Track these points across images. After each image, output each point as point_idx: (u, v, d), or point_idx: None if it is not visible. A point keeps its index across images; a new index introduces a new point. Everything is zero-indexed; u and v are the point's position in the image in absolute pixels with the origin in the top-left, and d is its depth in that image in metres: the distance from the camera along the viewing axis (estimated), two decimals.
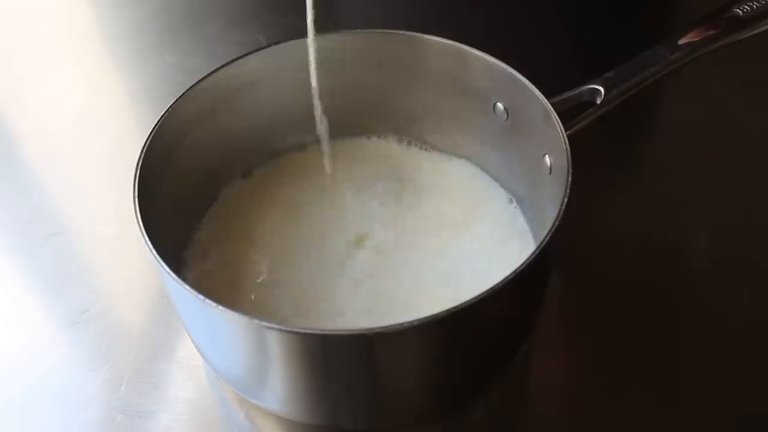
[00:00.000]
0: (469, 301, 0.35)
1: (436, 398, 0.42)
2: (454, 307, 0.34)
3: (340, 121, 0.53)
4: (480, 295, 0.35)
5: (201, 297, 0.35)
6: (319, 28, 0.49)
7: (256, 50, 0.48)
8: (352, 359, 0.37)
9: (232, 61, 0.48)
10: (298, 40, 0.49)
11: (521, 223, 0.49)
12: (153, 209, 0.40)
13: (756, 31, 0.47)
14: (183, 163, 0.47)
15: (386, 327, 0.34)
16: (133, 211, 0.39)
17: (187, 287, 0.36)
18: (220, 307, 0.35)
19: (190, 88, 0.46)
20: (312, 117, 0.53)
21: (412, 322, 0.34)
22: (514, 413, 0.46)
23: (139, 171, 0.41)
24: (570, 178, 0.39)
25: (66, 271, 0.53)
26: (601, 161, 0.55)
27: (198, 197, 0.50)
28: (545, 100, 0.43)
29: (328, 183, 0.52)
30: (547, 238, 0.37)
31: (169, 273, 0.37)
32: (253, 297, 0.46)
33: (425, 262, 0.47)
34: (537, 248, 0.37)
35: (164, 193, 0.44)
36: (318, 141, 0.54)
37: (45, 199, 0.58)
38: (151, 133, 0.43)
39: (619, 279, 0.51)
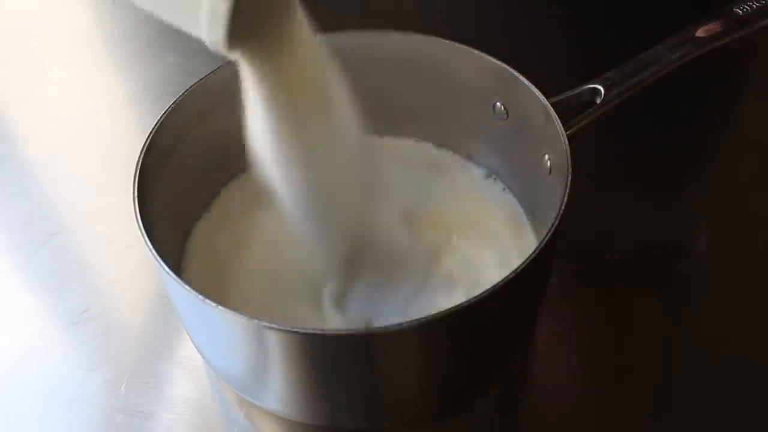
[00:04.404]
0: (469, 301, 0.35)
1: (436, 398, 0.42)
2: (454, 307, 0.34)
3: None
4: (480, 295, 0.35)
5: (201, 297, 0.35)
6: (320, 28, 0.49)
7: None
8: (352, 359, 0.37)
9: (232, 60, 0.48)
10: None
11: (522, 222, 0.49)
12: (153, 209, 0.40)
13: (756, 31, 0.47)
14: (183, 163, 0.47)
15: (386, 327, 0.34)
16: (133, 211, 0.39)
17: (187, 287, 0.36)
18: (220, 307, 0.35)
19: (190, 88, 0.46)
20: None
21: (411, 322, 0.34)
22: (514, 413, 0.46)
23: (138, 171, 0.41)
24: (570, 178, 0.39)
25: (66, 271, 0.53)
26: (601, 161, 0.55)
27: (198, 197, 0.50)
28: (545, 100, 0.43)
29: None
30: (547, 238, 0.37)
31: (168, 273, 0.37)
32: (252, 296, 0.46)
33: (424, 263, 0.47)
34: (537, 248, 0.37)
35: (164, 193, 0.44)
36: None
37: (45, 199, 0.58)
38: (151, 133, 0.43)
39: (619, 279, 0.51)
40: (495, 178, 0.52)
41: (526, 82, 0.45)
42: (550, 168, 0.44)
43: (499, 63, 0.46)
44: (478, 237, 0.48)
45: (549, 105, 0.43)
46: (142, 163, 0.42)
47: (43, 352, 0.49)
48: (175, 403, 0.45)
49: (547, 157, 0.45)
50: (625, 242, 0.53)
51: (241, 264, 0.48)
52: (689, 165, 0.58)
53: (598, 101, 0.45)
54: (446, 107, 0.51)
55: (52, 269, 0.53)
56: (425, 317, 0.34)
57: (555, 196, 0.40)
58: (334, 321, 0.44)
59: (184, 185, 0.47)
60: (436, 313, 0.34)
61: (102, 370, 0.47)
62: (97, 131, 0.64)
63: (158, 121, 0.44)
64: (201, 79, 0.47)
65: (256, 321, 0.35)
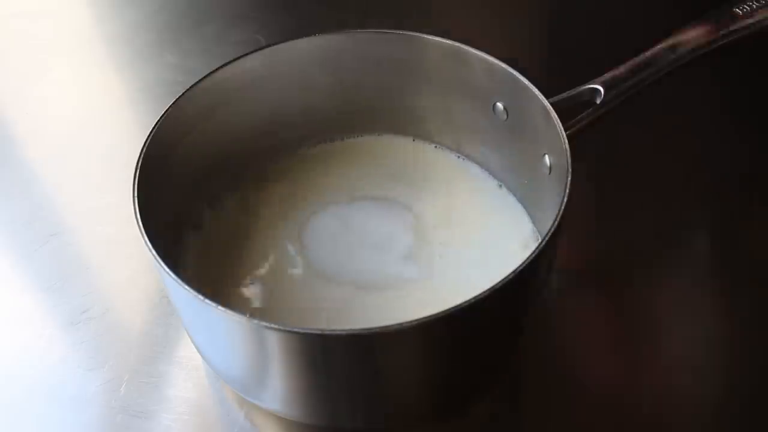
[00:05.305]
0: (468, 301, 0.35)
1: (436, 398, 0.42)
2: (453, 307, 0.34)
3: (340, 121, 0.54)
4: (479, 294, 0.35)
5: (201, 297, 0.35)
6: (320, 28, 0.49)
7: (256, 50, 0.48)
8: (352, 359, 0.37)
9: (232, 60, 0.48)
10: (297, 40, 0.49)
11: (522, 222, 0.49)
12: (152, 209, 0.40)
13: (755, 31, 0.47)
14: (183, 162, 0.47)
15: (386, 327, 0.34)
16: (133, 211, 0.39)
17: (187, 287, 0.36)
18: (220, 307, 0.35)
19: (190, 88, 0.46)
20: (311, 117, 0.53)
21: (411, 322, 0.34)
22: (514, 413, 0.46)
23: (138, 171, 0.41)
24: (570, 178, 0.39)
25: (66, 271, 0.53)
26: (601, 161, 0.55)
27: (198, 196, 0.50)
28: (545, 100, 0.43)
29: (327, 182, 0.52)
30: (547, 238, 0.37)
31: (168, 273, 0.37)
32: (252, 296, 0.46)
33: (425, 262, 0.47)
34: (536, 248, 0.37)
35: (164, 192, 0.44)
36: (318, 141, 0.54)
37: (45, 199, 0.58)
38: (150, 133, 0.43)
39: (619, 279, 0.51)
40: (495, 178, 0.52)
41: (526, 82, 0.45)
42: (550, 168, 0.44)
43: (499, 63, 0.46)
44: (478, 236, 0.49)
45: (549, 105, 0.43)
46: (141, 163, 0.42)
47: (43, 352, 0.49)
48: (175, 403, 0.45)
49: (547, 157, 0.45)
50: (625, 242, 0.53)
51: (241, 264, 0.48)
52: (689, 165, 0.58)
53: (598, 101, 0.45)
54: (446, 107, 0.51)
55: (52, 269, 0.53)
56: (425, 317, 0.34)
57: (555, 196, 0.40)
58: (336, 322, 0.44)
59: (184, 185, 0.47)
60: (436, 313, 0.34)
61: (102, 370, 0.47)
62: (96, 131, 0.64)
63: (158, 121, 0.44)
64: (201, 79, 0.47)
65: (255, 321, 0.35)
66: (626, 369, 0.46)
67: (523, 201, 0.50)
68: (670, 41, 0.47)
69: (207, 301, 0.35)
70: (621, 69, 0.46)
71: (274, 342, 0.36)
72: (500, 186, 0.51)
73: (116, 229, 0.55)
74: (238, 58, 0.48)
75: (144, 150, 0.42)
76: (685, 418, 0.44)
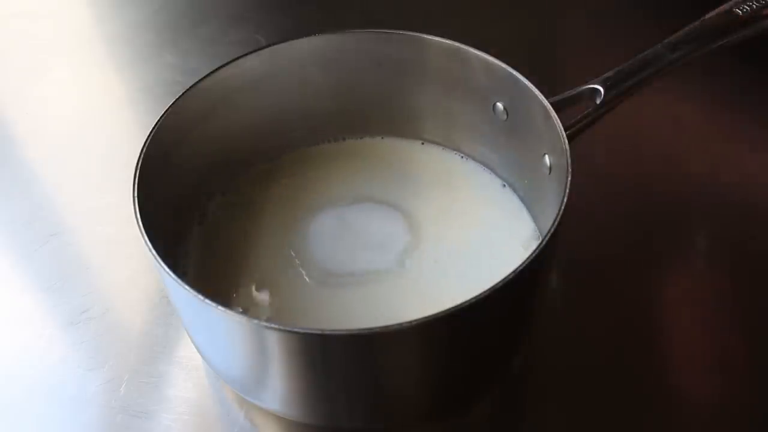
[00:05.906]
0: (468, 300, 0.35)
1: (435, 398, 0.42)
2: (453, 307, 0.34)
3: (340, 121, 0.54)
4: (479, 295, 0.35)
5: (201, 297, 0.35)
6: (320, 28, 0.49)
7: (256, 50, 0.48)
8: (352, 359, 0.37)
9: (232, 61, 0.48)
10: (297, 40, 0.49)
11: (522, 221, 0.49)
12: (152, 209, 0.40)
13: (756, 31, 0.47)
14: (182, 163, 0.47)
15: (386, 327, 0.34)
16: (133, 211, 0.39)
17: (187, 287, 0.36)
18: (220, 307, 0.35)
19: (190, 88, 0.46)
20: (312, 117, 0.53)
21: (411, 322, 0.34)
22: (514, 413, 0.46)
23: (138, 171, 0.41)
24: (570, 178, 0.39)
25: (66, 271, 0.53)
26: (601, 161, 0.55)
27: (198, 196, 0.50)
28: (545, 100, 0.43)
29: (328, 182, 0.52)
30: (547, 239, 0.37)
31: (168, 273, 0.37)
32: (252, 296, 0.46)
33: (425, 261, 0.47)
34: (536, 248, 0.37)
35: (164, 193, 0.44)
36: (318, 141, 0.54)
37: (45, 199, 0.58)
38: (150, 133, 0.43)
39: (618, 279, 0.51)
40: (495, 178, 0.52)
41: (526, 82, 0.45)
42: (550, 168, 0.44)
43: (499, 63, 0.46)
44: (479, 236, 0.49)
45: (549, 105, 0.43)
46: (142, 163, 0.42)
47: (43, 352, 0.49)
48: (175, 403, 0.45)
49: (547, 156, 0.45)
50: (625, 242, 0.53)
51: (241, 264, 0.48)
52: (689, 165, 0.58)
53: (598, 101, 0.45)
54: (446, 107, 0.51)
55: (52, 269, 0.53)
56: (425, 317, 0.34)
57: (555, 196, 0.40)
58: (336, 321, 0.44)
59: (184, 185, 0.47)
60: (436, 313, 0.34)
61: (102, 370, 0.47)
62: (96, 131, 0.64)
63: (158, 121, 0.44)
64: (200, 79, 0.47)
65: (255, 321, 0.35)
66: (627, 369, 0.46)
67: (525, 200, 0.50)
68: (670, 41, 0.47)
69: (207, 301, 0.35)
70: (621, 69, 0.46)
71: (274, 342, 0.36)
72: (504, 186, 0.51)
73: (116, 229, 0.55)
74: (238, 57, 0.48)
75: (144, 150, 0.42)
76: (685, 419, 0.44)
